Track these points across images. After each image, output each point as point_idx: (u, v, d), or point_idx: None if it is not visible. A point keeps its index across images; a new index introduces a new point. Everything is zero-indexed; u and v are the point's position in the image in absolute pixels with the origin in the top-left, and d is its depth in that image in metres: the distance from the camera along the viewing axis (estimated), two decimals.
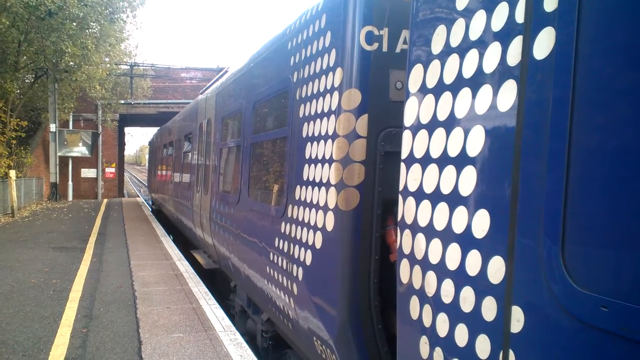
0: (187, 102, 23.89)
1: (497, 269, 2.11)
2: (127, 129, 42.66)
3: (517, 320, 1.99)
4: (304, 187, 4.28)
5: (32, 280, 9.02)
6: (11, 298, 7.77)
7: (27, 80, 25.24)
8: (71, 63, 21.78)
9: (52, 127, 26.55)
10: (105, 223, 17.85)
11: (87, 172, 31.42)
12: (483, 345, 2.17)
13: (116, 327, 6.42)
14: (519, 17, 2.07)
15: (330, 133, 3.81)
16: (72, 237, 14.25)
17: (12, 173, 19.24)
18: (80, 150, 29.80)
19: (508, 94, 2.10)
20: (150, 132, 37.47)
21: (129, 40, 28.36)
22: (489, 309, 2.15)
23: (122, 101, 30.65)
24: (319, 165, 3.98)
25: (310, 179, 4.13)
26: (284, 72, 4.92)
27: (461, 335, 2.32)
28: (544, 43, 1.93)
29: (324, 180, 3.87)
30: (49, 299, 7.75)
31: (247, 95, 6.47)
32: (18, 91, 23.07)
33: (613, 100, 1.69)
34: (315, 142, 4.08)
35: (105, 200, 28.90)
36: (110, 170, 32.51)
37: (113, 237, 14.38)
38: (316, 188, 4.02)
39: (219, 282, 9.74)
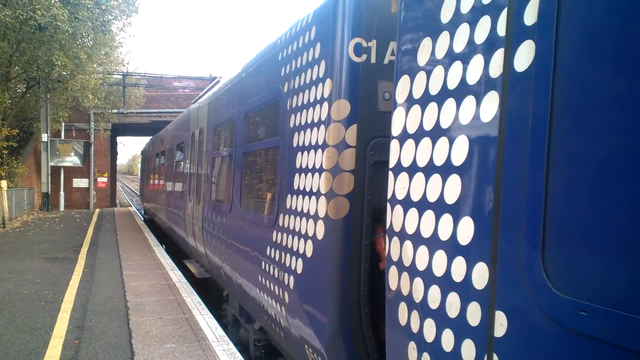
0: (180, 111, 23.94)
1: (481, 275, 2.17)
2: (119, 139, 42.59)
3: (501, 324, 2.05)
4: (294, 196, 4.34)
5: (24, 291, 8.98)
6: (2, 309, 7.73)
7: (19, 90, 25.18)
8: (64, 73, 21.75)
9: (44, 137, 26.46)
10: (97, 233, 17.78)
11: (79, 182, 31.29)
12: (468, 350, 2.24)
13: (108, 338, 6.41)
14: (501, 30, 2.14)
15: (320, 143, 3.88)
16: (64, 248, 14.19)
17: (4, 183, 19.16)
18: (72, 160, 29.70)
19: (490, 105, 2.17)
20: (143, 141, 37.50)
21: (121, 48, 28.37)
22: (474, 314, 2.21)
23: (115, 110, 30.60)
24: (310, 174, 4.04)
25: (301, 188, 4.20)
26: (275, 82, 4.99)
27: (447, 340, 2.37)
28: (524, 56, 2.00)
29: (314, 190, 3.94)
30: (40, 310, 7.72)
31: (239, 105, 6.54)
32: (10, 101, 23.01)
33: (590, 110, 1.75)
34: (305, 152, 4.15)
35: (97, 210, 28.77)
36: (103, 179, 32.40)
37: (105, 248, 14.34)
38: (307, 197, 4.08)
39: (211, 291, 9.75)
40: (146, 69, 49.29)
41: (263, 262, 5.14)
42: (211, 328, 6.84)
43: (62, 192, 29.69)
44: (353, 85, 3.68)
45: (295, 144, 4.39)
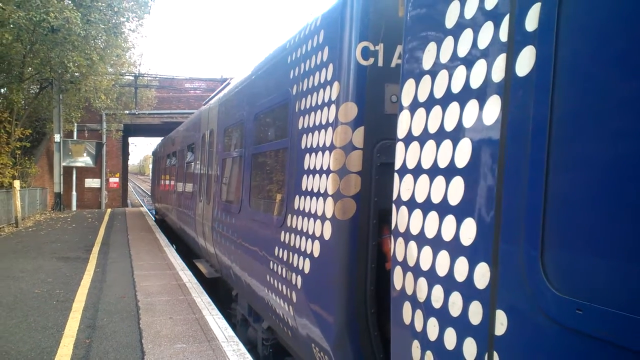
0: (191, 112, 24.09)
1: (482, 275, 2.23)
2: (131, 139, 42.95)
3: (501, 323, 2.11)
4: (302, 197, 4.41)
5: (36, 290, 9.11)
6: (15, 308, 7.85)
7: (32, 91, 25.48)
8: (77, 74, 21.98)
9: (57, 138, 26.78)
10: (108, 233, 17.97)
11: (91, 182, 31.63)
12: (470, 348, 2.29)
13: (119, 338, 6.49)
14: (503, 36, 2.20)
15: (327, 144, 3.95)
16: (75, 247, 14.36)
17: (17, 183, 19.42)
18: (84, 160, 29.99)
19: (493, 109, 2.23)
20: (154, 142, 37.76)
21: (134, 49, 28.61)
22: (475, 313, 2.26)
23: (127, 111, 30.90)
24: (317, 175, 4.12)
25: (309, 189, 4.27)
26: (284, 84, 5.07)
27: (450, 338, 2.43)
28: (526, 61, 2.05)
29: (322, 191, 4.01)
30: (52, 309, 7.82)
31: (249, 106, 6.63)
32: (23, 102, 23.29)
33: (588, 114, 1.80)
34: (313, 153, 4.22)
35: (108, 210, 29.07)
36: (114, 180, 32.71)
37: (116, 247, 14.49)
38: (314, 198, 4.15)
39: (221, 291, 9.84)
40: (158, 70, 49.74)
41: (271, 262, 5.21)
42: (221, 328, 6.90)
43: (74, 192, 30.01)
44: (360, 88, 3.75)
45: (303, 146, 4.46)
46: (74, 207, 29.56)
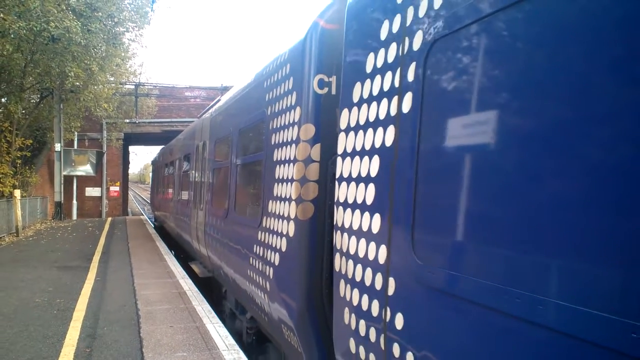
0: (191, 120, 24.32)
1: (383, 254, 3.19)
2: (131, 148, 43.19)
3: (391, 286, 3.07)
4: (274, 202, 5.30)
5: (36, 299, 9.18)
6: (15, 318, 7.94)
7: (32, 101, 25.54)
8: (77, 83, 22.01)
9: (57, 147, 27.09)
10: (109, 242, 18.08)
11: (92, 191, 31.91)
12: (375, 307, 3.25)
13: (120, 347, 6.52)
14: (397, 82, 3.14)
15: (292, 158, 4.83)
16: (76, 256, 14.45)
17: (17, 192, 19.65)
18: (85, 169, 30.29)
19: (391, 134, 3.17)
20: (155, 150, 37.88)
21: (134, 59, 28.65)
22: (378, 282, 3.22)
23: (127, 120, 31.17)
24: (284, 183, 5.00)
25: (278, 195, 5.16)
26: (262, 105, 5.99)
27: (365, 302, 3.38)
28: (407, 102, 3.00)
29: (287, 196, 4.88)
30: (52, 319, 7.89)
31: (234, 122, 7.59)
32: (23, 111, 23.34)
33: (437, 140, 2.72)
34: (282, 165, 5.11)
35: (109, 219, 29.25)
36: (115, 188, 32.96)
37: (117, 256, 14.59)
38: (282, 202, 5.03)
39: (215, 292, 10.51)
40: (158, 79, 50.07)
41: (251, 258, 6.06)
42: (222, 337, 6.98)
43: (74, 201, 30.33)
44: (317, 112, 4.60)
45: (275, 159, 5.34)
46: (74, 216, 29.81)
